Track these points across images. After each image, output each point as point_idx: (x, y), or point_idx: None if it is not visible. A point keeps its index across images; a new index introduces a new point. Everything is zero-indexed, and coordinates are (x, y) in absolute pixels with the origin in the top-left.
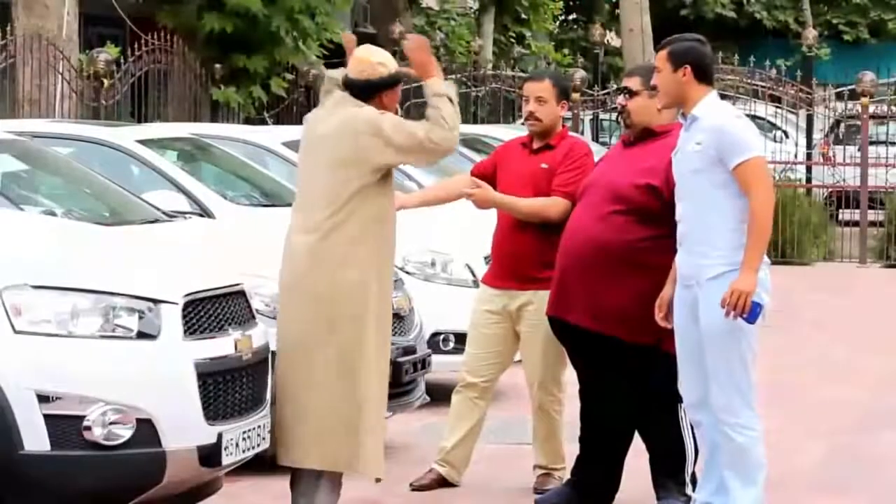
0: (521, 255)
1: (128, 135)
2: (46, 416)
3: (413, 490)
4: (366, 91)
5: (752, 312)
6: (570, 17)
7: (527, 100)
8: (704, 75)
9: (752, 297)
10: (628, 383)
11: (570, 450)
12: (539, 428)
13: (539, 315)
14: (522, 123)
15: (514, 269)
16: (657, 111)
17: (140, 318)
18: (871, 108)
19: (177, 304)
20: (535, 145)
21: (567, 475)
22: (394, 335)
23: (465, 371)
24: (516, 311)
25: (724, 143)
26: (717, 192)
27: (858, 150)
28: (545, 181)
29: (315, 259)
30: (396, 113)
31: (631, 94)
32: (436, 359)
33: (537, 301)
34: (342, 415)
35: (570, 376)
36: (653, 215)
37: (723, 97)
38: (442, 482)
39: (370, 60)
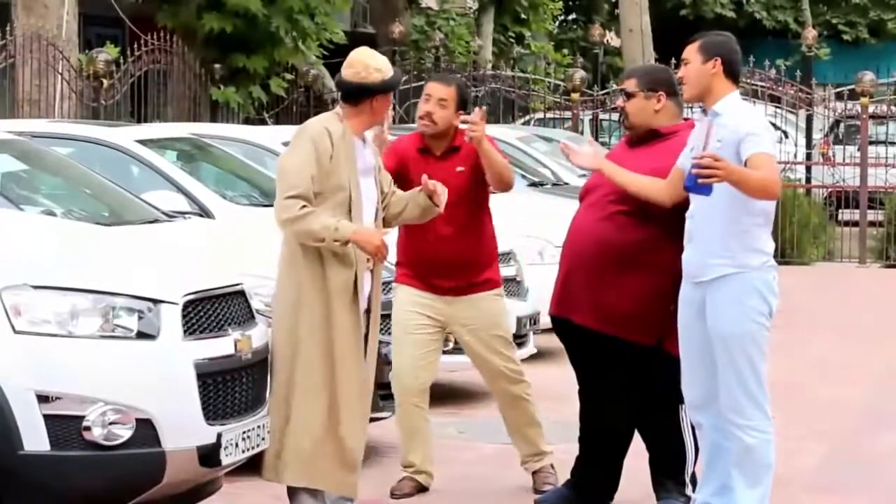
0: (466, 262)
1: (127, 135)
2: (46, 416)
3: (393, 497)
4: (358, 94)
5: (701, 185)
6: (570, 18)
7: (427, 99)
8: (732, 71)
9: (716, 180)
10: (629, 383)
11: (571, 449)
12: (516, 418)
13: (477, 315)
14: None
15: (456, 277)
16: (654, 112)
17: (140, 318)
18: (871, 108)
19: (176, 304)
20: (439, 151)
21: (553, 459)
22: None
23: (402, 378)
24: (453, 315)
25: (741, 141)
26: (728, 193)
27: (858, 150)
28: (465, 183)
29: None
30: (383, 121)
31: (628, 95)
32: None
33: (472, 303)
34: (273, 426)
35: (570, 376)
36: (658, 216)
37: None
38: (421, 488)
39: (366, 64)
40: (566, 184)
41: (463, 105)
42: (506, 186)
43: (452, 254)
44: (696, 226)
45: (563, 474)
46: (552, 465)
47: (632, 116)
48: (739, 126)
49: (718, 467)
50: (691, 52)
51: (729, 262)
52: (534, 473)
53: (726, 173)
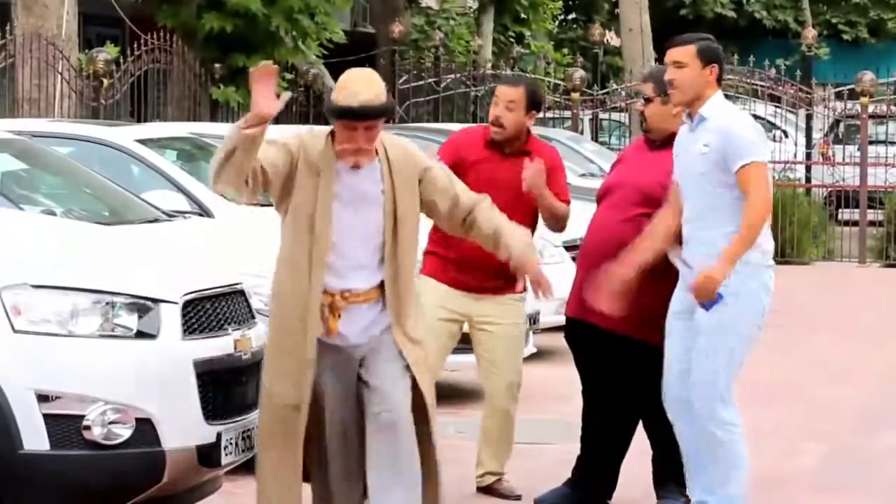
0: (507, 265)
1: (127, 134)
2: (46, 416)
3: None
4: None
5: (713, 301)
6: (570, 17)
7: (496, 102)
8: (720, 76)
9: (719, 288)
10: (634, 384)
11: (571, 449)
12: (499, 433)
13: (502, 315)
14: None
15: (493, 278)
16: (672, 116)
17: (139, 317)
18: (871, 108)
19: (176, 303)
20: (508, 149)
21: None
22: None
23: None
24: (477, 311)
25: (729, 146)
26: (724, 193)
27: (858, 149)
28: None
29: None
30: (347, 155)
31: (646, 100)
32: None
33: (498, 303)
34: None
35: (570, 376)
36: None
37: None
38: None
39: (341, 83)
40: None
41: (534, 105)
42: (558, 229)
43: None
44: (691, 229)
45: (564, 474)
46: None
47: (650, 120)
48: (726, 132)
49: (704, 465)
50: (688, 56)
51: None
52: (491, 485)
53: (722, 275)
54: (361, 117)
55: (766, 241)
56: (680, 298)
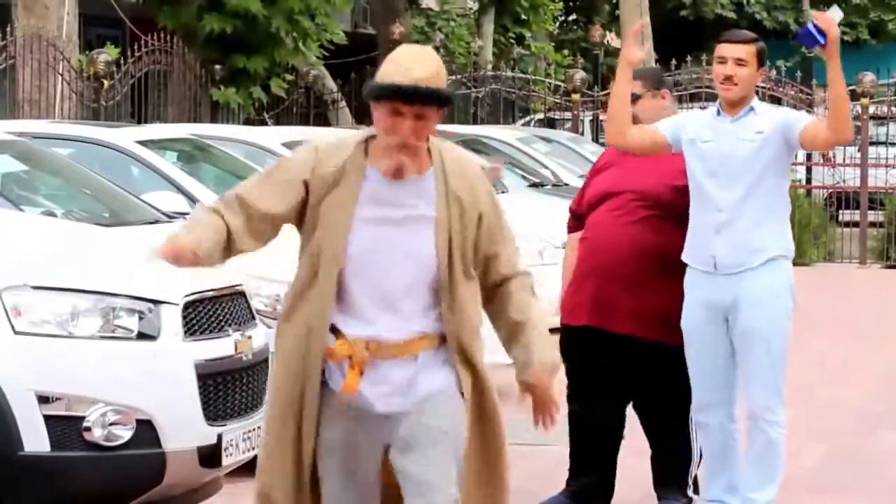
0: None
1: (127, 135)
2: (46, 417)
3: None
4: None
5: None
6: (570, 18)
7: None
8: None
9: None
10: (638, 383)
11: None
12: None
13: None
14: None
15: None
16: (662, 110)
17: (140, 318)
18: (872, 109)
19: (177, 304)
20: None
21: None
22: None
23: None
24: None
25: (790, 114)
26: (769, 180)
27: (858, 150)
28: None
29: None
30: (388, 154)
31: (634, 98)
32: None
33: None
34: None
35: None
36: (687, 216)
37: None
38: None
39: (391, 58)
40: (566, 184)
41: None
42: None
43: None
44: (729, 217)
45: (564, 475)
46: None
47: (642, 118)
48: (777, 116)
49: (726, 466)
50: (750, 55)
51: (767, 253)
52: None
53: (835, 46)
54: (411, 98)
55: (791, 238)
56: (700, 312)
